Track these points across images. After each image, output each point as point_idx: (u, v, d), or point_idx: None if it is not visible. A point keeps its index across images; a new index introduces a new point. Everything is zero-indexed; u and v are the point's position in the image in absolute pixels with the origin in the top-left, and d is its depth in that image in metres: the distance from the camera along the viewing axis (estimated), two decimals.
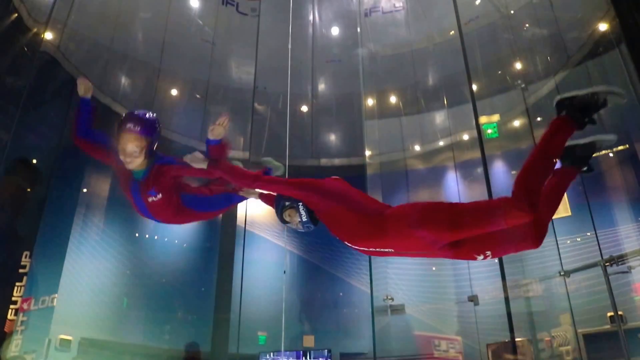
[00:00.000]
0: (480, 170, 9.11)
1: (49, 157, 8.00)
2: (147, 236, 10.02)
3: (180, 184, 3.86)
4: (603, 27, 7.63)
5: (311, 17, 11.19)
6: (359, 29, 11.16)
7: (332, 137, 12.08)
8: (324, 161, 11.49)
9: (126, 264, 9.51)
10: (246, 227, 10.25)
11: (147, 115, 3.57)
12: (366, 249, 3.23)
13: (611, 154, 8.55)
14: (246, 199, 4.24)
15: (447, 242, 2.98)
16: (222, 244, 10.41)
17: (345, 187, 3.34)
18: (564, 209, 8.95)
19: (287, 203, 3.40)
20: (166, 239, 10.26)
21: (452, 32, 10.31)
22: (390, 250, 3.19)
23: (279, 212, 3.46)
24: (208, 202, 4.14)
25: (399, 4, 11.13)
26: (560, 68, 8.73)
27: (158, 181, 3.62)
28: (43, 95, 7.87)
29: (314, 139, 11.56)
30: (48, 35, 7.68)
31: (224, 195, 4.19)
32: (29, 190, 7.51)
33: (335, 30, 11.67)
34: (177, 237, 10.43)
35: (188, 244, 10.55)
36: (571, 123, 2.74)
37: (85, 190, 9.06)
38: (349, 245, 3.24)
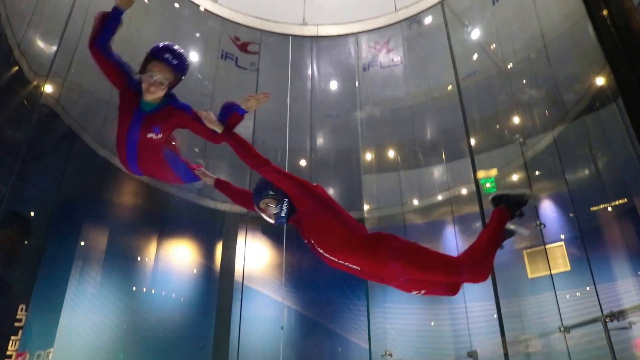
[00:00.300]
0: (478, 224, 9.06)
1: (47, 210, 7.93)
2: (144, 290, 9.84)
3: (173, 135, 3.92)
4: (600, 81, 7.69)
5: (310, 71, 11.31)
6: (357, 83, 11.29)
7: (331, 191, 12.01)
8: None
9: (123, 317, 9.29)
10: (244, 282, 10.10)
11: (184, 54, 3.66)
12: (335, 260, 3.47)
13: (610, 208, 8.50)
14: (198, 180, 4.28)
15: (406, 278, 3.54)
16: (220, 298, 10.26)
17: (329, 196, 3.70)
18: (563, 264, 8.87)
19: (271, 192, 3.60)
20: (163, 293, 10.07)
21: (450, 87, 10.43)
22: (356, 268, 3.48)
23: (260, 198, 3.66)
24: (182, 167, 4.21)
25: (397, 59, 11.27)
26: (558, 122, 8.78)
27: (166, 121, 3.66)
28: (42, 147, 7.85)
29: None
30: (48, 88, 7.69)
31: (184, 167, 4.22)
32: (24, 242, 7.41)
33: (333, 85, 11.77)
34: (175, 291, 10.24)
35: (185, 298, 10.36)
36: (507, 213, 3.74)
37: (82, 243, 8.94)
38: (321, 251, 3.49)
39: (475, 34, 10.67)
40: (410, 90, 11.23)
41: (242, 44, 11.12)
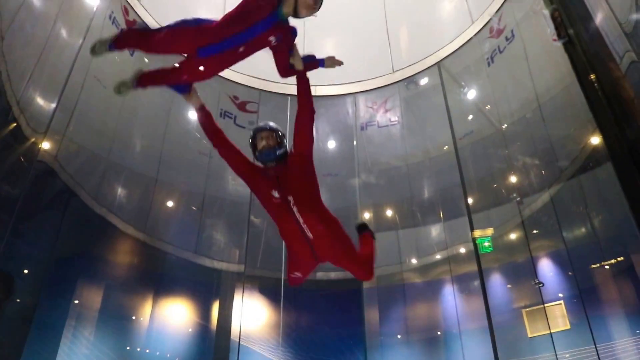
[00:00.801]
0: (477, 283, 8.99)
1: (41, 267, 7.87)
2: (138, 349, 9.64)
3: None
4: (594, 140, 7.74)
5: None
6: (355, 142, 11.36)
7: None
8: (320, 275, 11.29)
9: None
10: (240, 342, 9.93)
11: None
12: (301, 222, 3.81)
13: (607, 266, 8.44)
14: (182, 93, 4.27)
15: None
16: (216, 358, 10.09)
17: None
18: (562, 323, 8.77)
19: (281, 133, 3.97)
20: (158, 353, 9.88)
21: (447, 146, 10.50)
22: (310, 236, 3.86)
23: (269, 128, 4.00)
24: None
25: (394, 119, 11.39)
26: (554, 181, 8.79)
27: (286, 37, 4.01)
28: (38, 204, 7.83)
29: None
30: (46, 145, 7.72)
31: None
32: (7, 299, 7.30)
33: (332, 144, 11.86)
34: (170, 350, 10.06)
35: (181, 358, 10.15)
36: (371, 236, 4.68)
37: (76, 301, 8.81)
38: (295, 209, 3.81)
39: (472, 94, 10.81)
40: (407, 150, 11.31)
41: (240, 103, 11.24)
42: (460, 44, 10.61)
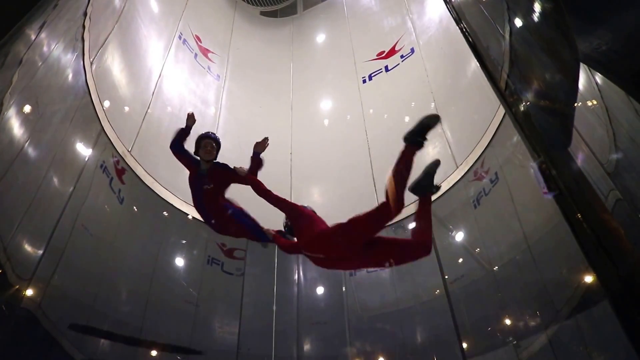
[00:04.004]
0: None
1: None
2: None
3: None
4: (588, 279, 7.68)
5: (296, 277, 11.30)
6: (344, 288, 11.23)
7: None
8: None
9: None
10: None
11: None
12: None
13: None
14: (266, 240, 6.45)
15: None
16: None
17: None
18: None
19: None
20: None
21: (438, 290, 10.39)
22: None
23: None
24: (252, 224, 6.53)
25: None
26: (551, 322, 8.62)
27: (213, 175, 6.38)
28: (18, 353, 7.52)
29: None
30: (29, 292, 7.55)
31: (253, 225, 6.48)
32: None
33: (320, 290, 11.70)
34: None
35: None
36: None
37: None
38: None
39: (460, 237, 10.86)
40: (398, 295, 11.15)
41: (228, 250, 11.25)
42: (446, 188, 10.84)
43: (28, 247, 7.82)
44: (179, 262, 10.87)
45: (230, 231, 6.91)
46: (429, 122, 4.90)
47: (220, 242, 11.27)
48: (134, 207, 10.33)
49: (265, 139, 6.26)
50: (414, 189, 5.14)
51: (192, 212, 11.18)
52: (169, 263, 10.77)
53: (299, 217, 5.59)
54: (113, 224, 9.78)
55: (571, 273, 8.14)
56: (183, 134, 6.52)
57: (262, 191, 5.81)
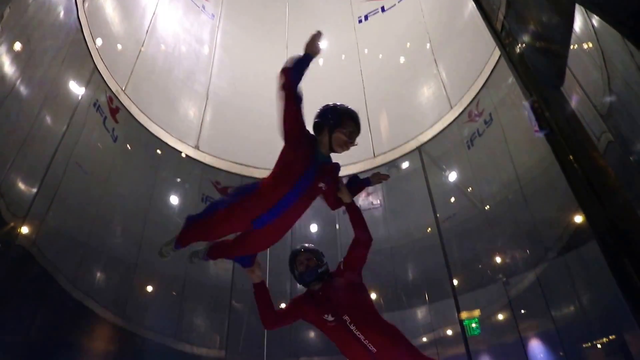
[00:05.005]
0: None
1: (14, 352, 7.57)
2: None
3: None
4: (578, 219, 7.77)
5: None
6: (337, 226, 11.34)
7: (312, 335, 11.70)
8: None
9: None
10: None
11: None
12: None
13: (599, 345, 8.30)
14: (244, 266, 4.46)
15: None
16: None
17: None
18: None
19: (324, 258, 4.48)
20: None
21: (430, 229, 10.51)
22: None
23: (315, 253, 4.54)
24: None
25: (376, 202, 11.44)
26: (540, 261, 8.76)
27: (333, 174, 4.05)
28: (14, 289, 7.62)
29: (292, 338, 11.16)
30: (25, 230, 7.60)
31: None
32: None
33: (314, 228, 11.83)
34: None
35: None
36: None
37: None
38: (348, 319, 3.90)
39: (453, 177, 10.93)
40: (390, 233, 11.28)
41: (222, 188, 11.27)
42: (440, 128, 10.85)
43: (22, 185, 7.82)
44: (174, 200, 10.92)
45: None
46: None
47: (214, 180, 11.31)
48: (128, 146, 10.29)
49: (319, 33, 3.99)
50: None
51: (186, 150, 11.18)
52: (163, 201, 10.82)
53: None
54: (107, 162, 9.77)
55: (561, 213, 8.23)
56: (304, 62, 3.89)
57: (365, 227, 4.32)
